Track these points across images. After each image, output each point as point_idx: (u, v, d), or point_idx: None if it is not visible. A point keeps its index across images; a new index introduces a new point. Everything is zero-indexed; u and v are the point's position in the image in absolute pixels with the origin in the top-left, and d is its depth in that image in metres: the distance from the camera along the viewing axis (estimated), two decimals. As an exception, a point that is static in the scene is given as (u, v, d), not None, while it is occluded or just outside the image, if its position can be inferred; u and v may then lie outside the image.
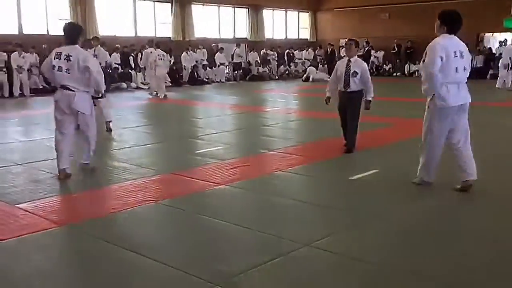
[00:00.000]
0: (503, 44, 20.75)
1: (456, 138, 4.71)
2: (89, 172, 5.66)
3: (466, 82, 4.74)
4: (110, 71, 12.69)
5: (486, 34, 21.79)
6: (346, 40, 6.95)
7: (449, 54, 4.51)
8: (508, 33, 21.12)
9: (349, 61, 6.57)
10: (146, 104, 13.26)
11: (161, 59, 14.20)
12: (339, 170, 5.81)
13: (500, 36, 21.39)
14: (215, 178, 5.36)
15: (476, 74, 19.83)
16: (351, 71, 6.48)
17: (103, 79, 5.52)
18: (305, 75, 21.05)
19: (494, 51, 20.94)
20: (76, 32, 5.51)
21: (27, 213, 4.26)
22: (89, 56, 5.57)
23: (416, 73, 22.27)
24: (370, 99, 6.54)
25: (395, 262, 3.30)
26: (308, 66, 21.83)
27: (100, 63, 12.36)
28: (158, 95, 14.13)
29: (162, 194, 4.82)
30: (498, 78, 15.93)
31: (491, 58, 20.55)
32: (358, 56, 6.93)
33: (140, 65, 16.40)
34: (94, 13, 17.76)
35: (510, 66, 15.20)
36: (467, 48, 4.75)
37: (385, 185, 5.07)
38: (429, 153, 4.82)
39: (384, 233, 3.82)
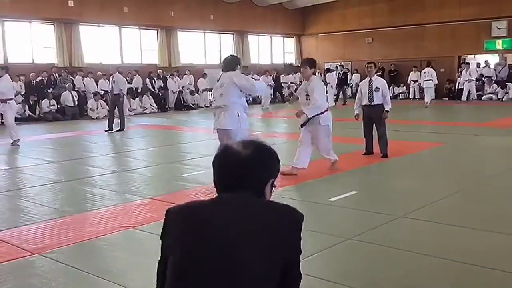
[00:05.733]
0: (484, 66, 21.14)
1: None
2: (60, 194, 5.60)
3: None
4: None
5: (468, 56, 22.17)
6: (367, 63, 8.01)
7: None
8: (489, 55, 21.53)
9: (370, 80, 7.77)
10: (131, 130, 13.22)
11: None
12: (319, 192, 5.81)
13: (481, 58, 21.79)
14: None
15: (457, 96, 20.21)
16: (374, 87, 7.68)
17: None
18: None
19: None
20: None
21: (1, 241, 4.20)
22: None
23: (400, 95, 22.55)
24: (388, 109, 7.72)
25: (377, 282, 3.28)
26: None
27: (121, 89, 12.40)
28: None
29: (140, 220, 4.78)
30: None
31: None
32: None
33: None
34: (79, 41, 17.87)
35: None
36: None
37: (360, 207, 5.07)
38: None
39: (359, 256, 3.80)
